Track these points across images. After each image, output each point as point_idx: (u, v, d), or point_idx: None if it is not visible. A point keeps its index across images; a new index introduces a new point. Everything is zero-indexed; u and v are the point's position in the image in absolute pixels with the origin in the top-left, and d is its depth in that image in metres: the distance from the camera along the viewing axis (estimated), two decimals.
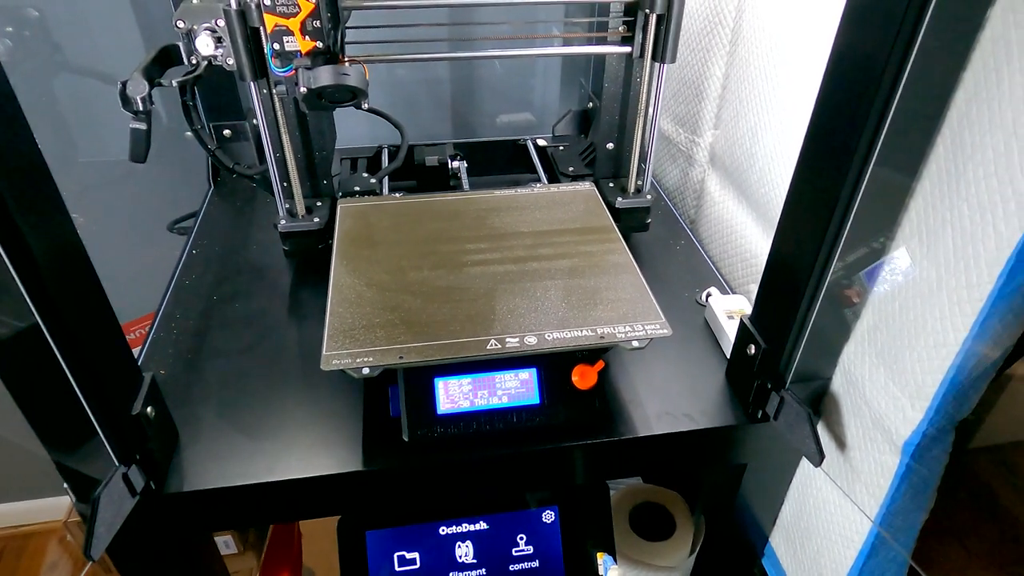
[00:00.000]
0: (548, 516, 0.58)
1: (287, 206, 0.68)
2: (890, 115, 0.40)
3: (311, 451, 0.52)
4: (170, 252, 0.76)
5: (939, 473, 0.46)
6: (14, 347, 0.39)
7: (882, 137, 0.40)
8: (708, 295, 0.67)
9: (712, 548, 0.69)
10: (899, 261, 0.45)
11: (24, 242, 0.36)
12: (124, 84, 0.57)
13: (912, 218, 0.44)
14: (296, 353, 0.61)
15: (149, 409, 0.47)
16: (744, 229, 0.71)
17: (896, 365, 0.45)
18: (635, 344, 0.51)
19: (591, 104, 0.86)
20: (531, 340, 0.50)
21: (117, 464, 0.45)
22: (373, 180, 0.76)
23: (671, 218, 0.84)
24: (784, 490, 0.62)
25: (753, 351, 0.53)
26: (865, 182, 0.42)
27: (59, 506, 1.06)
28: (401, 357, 0.49)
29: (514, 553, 0.57)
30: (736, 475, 0.61)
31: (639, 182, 0.74)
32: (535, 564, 0.57)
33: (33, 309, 0.38)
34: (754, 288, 0.70)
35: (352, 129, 0.83)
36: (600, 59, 0.73)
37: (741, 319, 0.55)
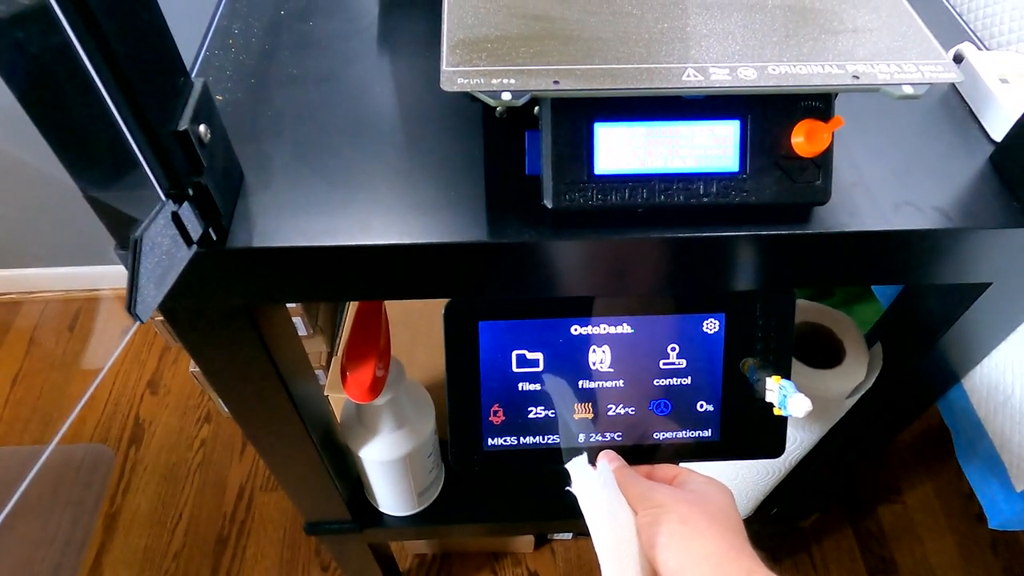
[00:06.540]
0: (711, 325, 0.45)
1: None
2: None
3: (415, 212, 0.38)
4: None
5: None
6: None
7: None
8: (959, 55, 0.47)
9: (885, 387, 0.56)
10: None
11: None
12: None
13: None
14: (391, 87, 0.46)
15: (202, 128, 0.34)
16: None
17: None
18: (907, 90, 0.34)
19: None
20: (748, 73, 0.34)
21: (164, 199, 0.33)
22: None
23: None
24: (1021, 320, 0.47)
25: None
26: None
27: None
28: (556, 82, 0.33)
29: (662, 365, 0.45)
30: (960, 298, 0.46)
31: None
32: (686, 381, 0.46)
33: None
34: None
35: None
36: None
37: None
